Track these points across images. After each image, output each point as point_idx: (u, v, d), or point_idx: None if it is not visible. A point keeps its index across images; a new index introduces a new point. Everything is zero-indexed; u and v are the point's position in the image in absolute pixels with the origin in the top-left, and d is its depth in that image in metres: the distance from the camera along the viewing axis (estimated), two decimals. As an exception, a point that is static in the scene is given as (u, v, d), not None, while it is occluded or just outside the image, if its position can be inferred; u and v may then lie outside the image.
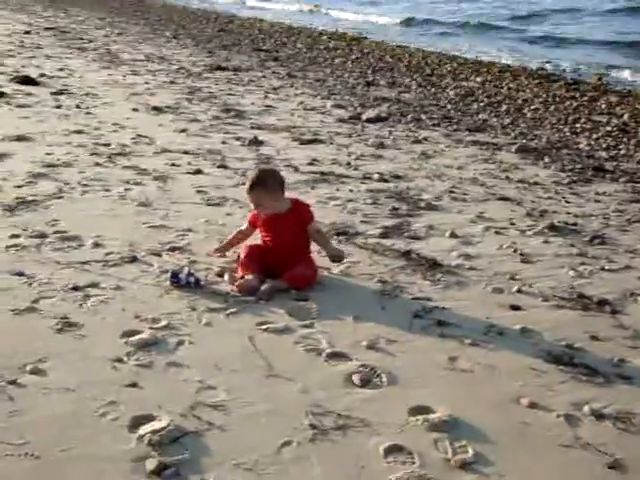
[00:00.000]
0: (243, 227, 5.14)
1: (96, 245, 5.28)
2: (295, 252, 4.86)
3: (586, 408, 3.50)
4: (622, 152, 9.23)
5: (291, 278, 4.71)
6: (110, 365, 3.70)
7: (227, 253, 5.20)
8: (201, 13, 29.52)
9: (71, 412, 3.28)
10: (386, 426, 3.29)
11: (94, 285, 4.61)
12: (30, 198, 6.23)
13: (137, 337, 3.97)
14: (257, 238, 5.05)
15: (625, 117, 11.42)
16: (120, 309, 4.31)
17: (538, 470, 3.06)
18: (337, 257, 5.02)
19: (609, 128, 10.63)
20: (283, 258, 4.79)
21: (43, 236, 5.40)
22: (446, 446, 3.18)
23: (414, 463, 3.05)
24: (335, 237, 5.64)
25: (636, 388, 3.73)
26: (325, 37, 21.93)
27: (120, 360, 3.75)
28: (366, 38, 22.36)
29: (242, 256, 4.86)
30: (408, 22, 28.90)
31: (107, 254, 5.12)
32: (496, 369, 3.85)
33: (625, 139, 9.97)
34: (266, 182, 4.88)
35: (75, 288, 4.55)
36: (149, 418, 3.25)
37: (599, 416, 3.45)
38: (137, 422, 3.22)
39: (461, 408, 3.45)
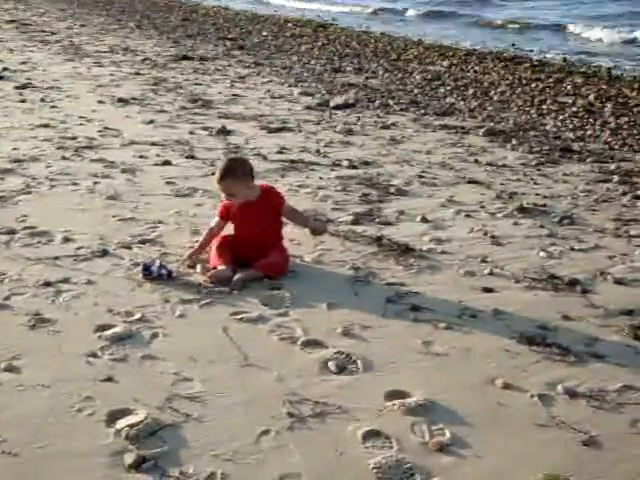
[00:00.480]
0: (213, 223, 5.02)
1: (66, 240, 5.25)
2: (267, 240, 4.87)
3: (560, 387, 3.54)
4: (588, 133, 9.30)
5: (264, 266, 4.71)
6: (85, 360, 3.68)
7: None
8: (164, 3, 29.26)
9: (47, 409, 3.26)
10: (363, 412, 3.31)
11: (66, 280, 4.58)
12: (-3, 194, 6.17)
13: (111, 331, 3.95)
14: (229, 229, 5.03)
15: (591, 97, 11.50)
16: (93, 303, 4.29)
17: (514, 450, 3.09)
18: (320, 230, 5.07)
19: (575, 109, 10.70)
20: (255, 247, 4.79)
21: (12, 232, 5.36)
22: (423, 430, 3.20)
23: (392, 447, 3.07)
24: (307, 225, 5.63)
25: (608, 366, 3.78)
26: (291, 24, 21.85)
27: (95, 355, 3.73)
28: (332, 25, 22.30)
29: (214, 247, 4.85)
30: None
31: (77, 249, 5.09)
32: (470, 351, 3.88)
33: (591, 120, 10.04)
34: (235, 171, 4.86)
35: (47, 284, 4.51)
36: (126, 412, 3.24)
37: (573, 395, 3.49)
38: (114, 416, 3.21)
39: (437, 391, 3.48)
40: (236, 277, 4.60)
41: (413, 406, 3.35)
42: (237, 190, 4.84)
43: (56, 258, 4.92)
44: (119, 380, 3.52)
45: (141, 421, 3.15)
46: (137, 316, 4.14)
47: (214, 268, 4.72)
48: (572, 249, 5.37)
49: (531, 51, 16.99)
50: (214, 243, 4.88)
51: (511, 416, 3.33)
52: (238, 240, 4.89)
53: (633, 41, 19.11)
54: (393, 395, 3.44)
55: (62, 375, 3.53)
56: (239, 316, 4.18)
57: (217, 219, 5.02)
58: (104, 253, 5.02)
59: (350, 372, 3.66)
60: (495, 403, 3.42)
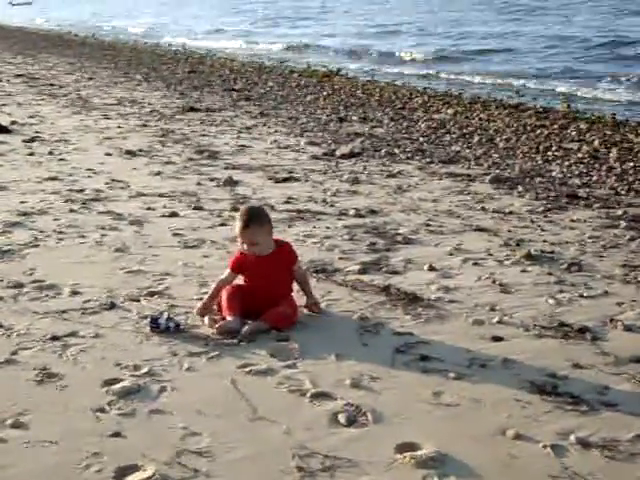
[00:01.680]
0: (223, 276, 4.94)
1: (74, 293, 5.25)
2: (278, 294, 4.85)
3: (572, 437, 3.50)
4: (594, 178, 9.32)
5: (272, 318, 4.69)
6: (92, 415, 3.66)
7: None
8: (171, 55, 29.64)
9: (55, 465, 3.24)
10: (373, 465, 3.28)
11: (73, 334, 4.57)
12: (5, 248, 6.20)
13: (118, 385, 3.94)
14: (238, 279, 5.02)
15: (595, 143, 11.55)
16: (100, 357, 4.28)
17: (528, 503, 3.05)
18: (315, 311, 5.00)
19: (580, 155, 10.74)
20: (265, 299, 4.76)
21: (20, 286, 5.36)
22: (434, 483, 3.17)
23: (403, 502, 3.03)
24: (314, 274, 5.63)
25: (621, 415, 3.74)
26: (296, 74, 22.08)
27: (102, 410, 3.71)
28: (337, 74, 22.53)
29: (223, 297, 4.84)
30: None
31: (85, 302, 5.09)
32: (481, 402, 3.85)
33: (597, 165, 10.07)
34: (261, 218, 4.82)
35: (54, 338, 4.51)
36: (134, 468, 3.21)
37: (585, 445, 3.45)
38: (122, 473, 3.18)
39: (447, 443, 3.44)
40: (244, 329, 4.58)
41: (424, 458, 3.31)
42: (262, 239, 4.78)
43: (63, 312, 4.92)
44: (127, 435, 3.49)
45: (149, 477, 3.13)
46: (145, 370, 4.12)
47: (222, 319, 4.70)
48: (581, 296, 5.35)
49: (534, 99, 17.08)
50: (223, 294, 4.86)
51: (523, 468, 3.29)
52: (248, 292, 4.85)
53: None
54: (403, 447, 3.41)
55: (69, 431, 3.51)
56: (247, 368, 4.16)
57: (228, 271, 4.94)
58: (112, 306, 5.02)
59: (360, 424, 3.63)
60: (507, 454, 3.38)
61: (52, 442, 3.42)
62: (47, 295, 5.22)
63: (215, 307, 4.90)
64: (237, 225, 4.81)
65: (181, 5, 75.63)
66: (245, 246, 4.81)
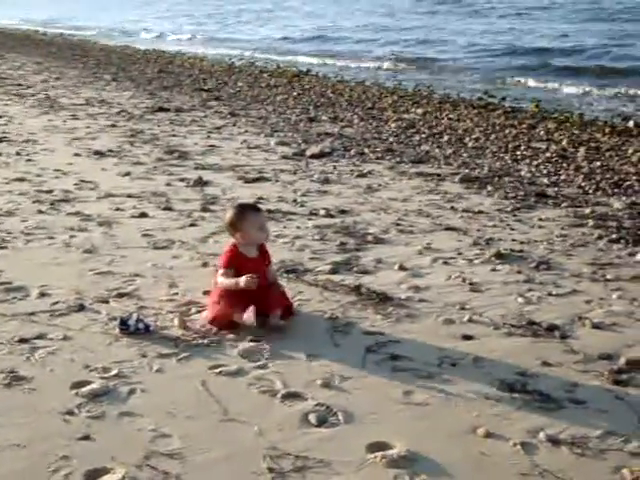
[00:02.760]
0: (221, 277, 4.81)
1: (42, 295, 5.19)
2: (269, 291, 4.85)
3: (542, 435, 3.53)
4: (562, 177, 9.40)
5: (276, 304, 4.77)
6: (61, 418, 3.62)
7: (178, 296, 5.17)
8: (140, 55, 29.47)
9: (23, 469, 3.20)
10: (345, 465, 3.27)
11: (41, 336, 4.52)
12: (-28, 250, 6.12)
13: (88, 388, 3.90)
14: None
15: (564, 143, 11.66)
16: (69, 360, 4.23)
17: (498, 501, 3.06)
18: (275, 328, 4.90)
19: (549, 154, 10.83)
20: (258, 295, 4.74)
21: (-13, 288, 5.30)
22: (406, 482, 3.17)
23: (374, 501, 3.04)
24: (284, 275, 5.62)
25: (590, 412, 3.77)
26: (266, 75, 22.05)
27: (71, 412, 3.67)
28: (307, 74, 22.53)
29: (223, 294, 4.76)
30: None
31: (53, 304, 5.04)
32: (451, 400, 3.86)
33: (565, 164, 10.16)
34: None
35: (22, 340, 4.45)
36: (103, 471, 3.18)
37: (555, 442, 3.48)
38: (91, 476, 3.15)
39: (419, 442, 3.45)
40: (273, 321, 4.70)
41: (395, 458, 3.31)
42: (267, 226, 5.03)
43: (32, 314, 4.86)
44: (96, 438, 3.46)
45: (119, 480, 3.10)
46: (114, 372, 4.09)
47: (226, 314, 4.67)
48: (550, 294, 5.39)
49: (503, 99, 17.16)
50: (217, 293, 4.80)
51: (494, 465, 3.30)
52: (244, 290, 4.76)
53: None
54: (375, 447, 3.41)
55: (38, 434, 3.47)
56: (218, 369, 4.14)
57: (222, 271, 4.84)
58: (80, 308, 4.98)
59: (331, 424, 3.63)
60: (478, 452, 3.40)
61: (20, 445, 3.38)
62: (15, 297, 5.15)
63: (184, 309, 4.90)
64: (240, 215, 4.88)
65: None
66: (254, 232, 4.85)
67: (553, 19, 37.99)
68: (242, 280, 4.69)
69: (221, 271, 4.87)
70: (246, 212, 4.92)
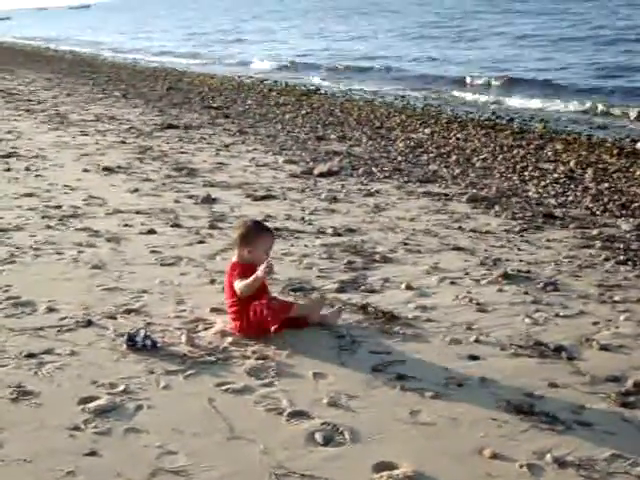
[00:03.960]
0: (246, 286, 4.83)
1: (50, 310, 5.21)
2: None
3: (548, 457, 3.52)
4: (570, 198, 9.40)
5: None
6: (67, 433, 3.63)
7: (185, 313, 5.18)
8: (150, 72, 29.63)
9: (28, 484, 3.21)
10: (350, 484, 3.27)
11: (49, 351, 4.54)
12: (-19, 264, 6.15)
13: (94, 403, 3.91)
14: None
15: (571, 164, 11.65)
16: (76, 375, 4.25)
17: (504, 522, 3.05)
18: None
19: (556, 175, 10.83)
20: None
21: (-5, 303, 5.32)
22: (411, 502, 3.17)
23: (380, 521, 3.03)
24: (291, 293, 5.64)
25: (596, 434, 3.76)
26: (275, 93, 22.13)
27: (78, 428, 3.69)
28: (316, 93, 22.61)
29: (263, 309, 4.81)
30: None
31: (61, 319, 5.06)
32: (458, 421, 3.86)
33: (572, 185, 10.15)
34: None
35: (30, 355, 4.48)
36: (109, 487, 3.19)
37: (562, 464, 3.47)
38: (97, 492, 3.16)
39: (425, 462, 3.45)
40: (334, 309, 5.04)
41: (401, 478, 3.32)
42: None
43: (39, 329, 4.88)
44: (103, 454, 3.47)
45: (125, 497, 3.10)
46: (121, 388, 4.10)
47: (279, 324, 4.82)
48: (557, 315, 5.39)
49: (511, 120, 17.17)
50: (259, 307, 4.83)
51: (500, 487, 3.30)
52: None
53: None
54: (381, 467, 3.41)
55: (44, 449, 3.48)
56: (224, 387, 4.15)
57: (239, 279, 4.87)
58: (88, 323, 4.99)
59: (337, 443, 3.63)
60: (484, 474, 3.39)
61: (26, 460, 3.39)
62: (23, 312, 5.18)
63: (191, 326, 4.92)
64: (257, 232, 5.02)
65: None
66: (261, 253, 4.96)
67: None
68: (260, 271, 4.77)
69: (237, 280, 4.89)
70: (263, 231, 5.05)
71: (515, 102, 20.46)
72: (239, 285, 4.84)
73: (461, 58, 31.35)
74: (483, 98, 21.17)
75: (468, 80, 24.64)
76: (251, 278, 4.80)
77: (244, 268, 4.90)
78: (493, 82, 24.14)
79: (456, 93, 22.59)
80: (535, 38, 36.44)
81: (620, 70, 24.77)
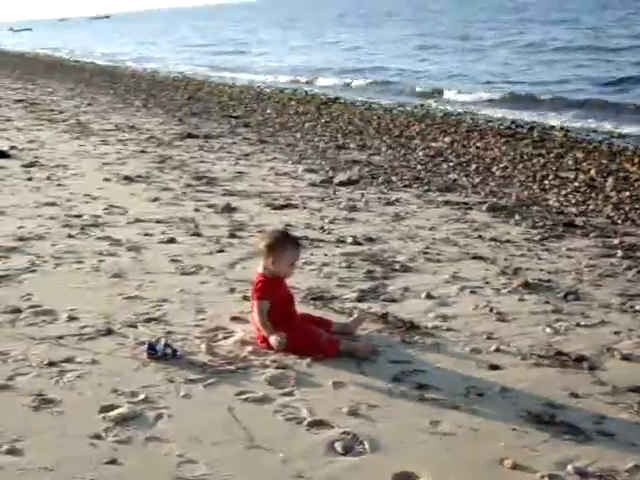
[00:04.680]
0: (260, 310, 4.80)
1: (71, 319, 5.24)
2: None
3: (570, 467, 3.50)
4: (591, 207, 9.35)
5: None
6: (88, 442, 3.65)
7: (205, 322, 5.20)
8: (170, 81, 29.79)
9: (49, 492, 3.22)
10: (370, 494, 3.26)
11: (70, 360, 4.57)
12: (2, 273, 6.19)
13: (115, 412, 3.93)
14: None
15: (592, 172, 11.60)
16: (97, 383, 4.27)
17: (525, 534, 3.03)
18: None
19: (577, 184, 10.78)
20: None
21: (17, 311, 5.36)
22: (432, 513, 3.16)
23: (400, 532, 3.02)
24: (311, 302, 5.64)
25: (618, 445, 3.73)
26: (294, 102, 22.19)
27: (98, 436, 3.70)
28: (335, 102, 22.64)
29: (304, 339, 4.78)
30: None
31: (82, 327, 5.08)
32: (478, 431, 3.84)
33: (593, 194, 10.11)
34: None
35: (51, 363, 4.50)
36: (129, 496, 3.20)
37: (583, 475, 3.45)
38: (117, 500, 3.17)
39: (445, 473, 3.43)
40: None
41: (421, 488, 3.30)
42: None
43: (60, 337, 4.91)
44: (123, 463, 3.48)
45: (145, 505, 3.11)
46: (141, 396, 4.12)
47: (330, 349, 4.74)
48: (578, 325, 5.35)
49: (531, 129, 17.08)
50: (301, 334, 4.79)
51: (521, 498, 3.28)
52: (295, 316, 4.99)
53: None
54: (401, 477, 3.40)
55: (65, 457, 3.50)
56: (244, 396, 4.16)
57: (257, 302, 4.84)
58: (109, 332, 5.02)
59: (357, 453, 3.62)
60: (504, 484, 3.37)
61: (48, 469, 3.41)
62: (44, 320, 5.21)
63: (211, 334, 4.93)
64: (283, 242, 4.92)
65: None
66: (285, 264, 4.92)
67: None
68: (272, 340, 4.73)
69: (256, 303, 4.87)
70: (289, 242, 4.98)
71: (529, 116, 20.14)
72: (257, 318, 4.83)
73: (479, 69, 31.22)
74: (499, 112, 20.97)
75: (485, 95, 24.40)
76: (265, 332, 4.78)
77: (266, 284, 4.86)
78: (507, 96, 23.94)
79: (472, 106, 22.39)
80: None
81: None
